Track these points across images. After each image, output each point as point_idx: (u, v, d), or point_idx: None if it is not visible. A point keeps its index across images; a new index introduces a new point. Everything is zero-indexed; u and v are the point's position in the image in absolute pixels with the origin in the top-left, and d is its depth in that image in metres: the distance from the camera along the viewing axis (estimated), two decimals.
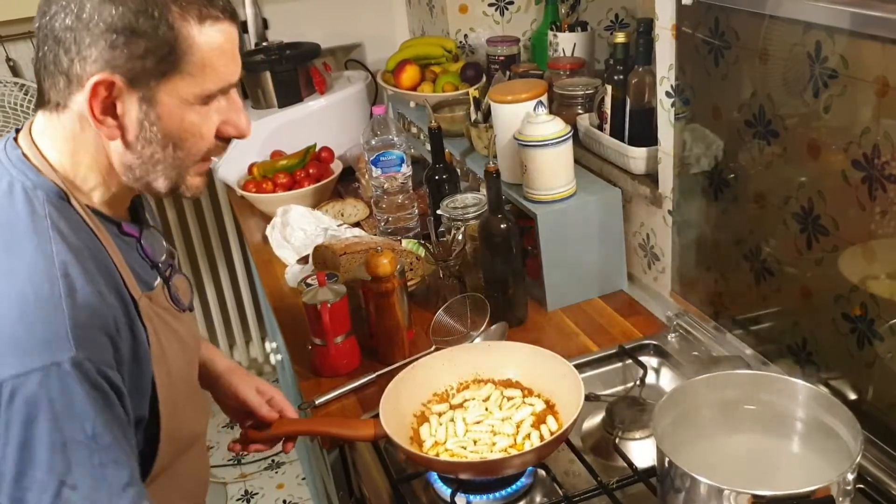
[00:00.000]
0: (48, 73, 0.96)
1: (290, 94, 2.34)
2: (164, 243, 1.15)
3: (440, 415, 1.30)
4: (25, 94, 2.46)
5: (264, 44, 2.47)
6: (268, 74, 2.32)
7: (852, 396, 1.16)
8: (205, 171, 1.06)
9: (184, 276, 1.17)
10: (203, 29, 0.95)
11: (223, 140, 1.04)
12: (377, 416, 1.23)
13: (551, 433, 1.21)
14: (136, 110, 0.96)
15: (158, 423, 1.05)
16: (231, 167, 2.32)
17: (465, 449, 1.22)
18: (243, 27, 2.58)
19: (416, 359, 1.38)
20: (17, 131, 1.04)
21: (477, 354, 1.37)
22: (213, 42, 0.96)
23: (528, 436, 1.23)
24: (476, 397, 1.32)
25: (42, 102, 1.00)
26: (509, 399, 1.31)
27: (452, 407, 1.31)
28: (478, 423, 1.27)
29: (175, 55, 0.94)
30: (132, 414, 0.97)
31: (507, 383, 1.34)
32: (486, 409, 1.29)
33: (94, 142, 0.99)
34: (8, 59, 2.46)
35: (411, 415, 1.29)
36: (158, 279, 1.10)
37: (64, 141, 1.00)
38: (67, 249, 0.93)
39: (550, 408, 1.28)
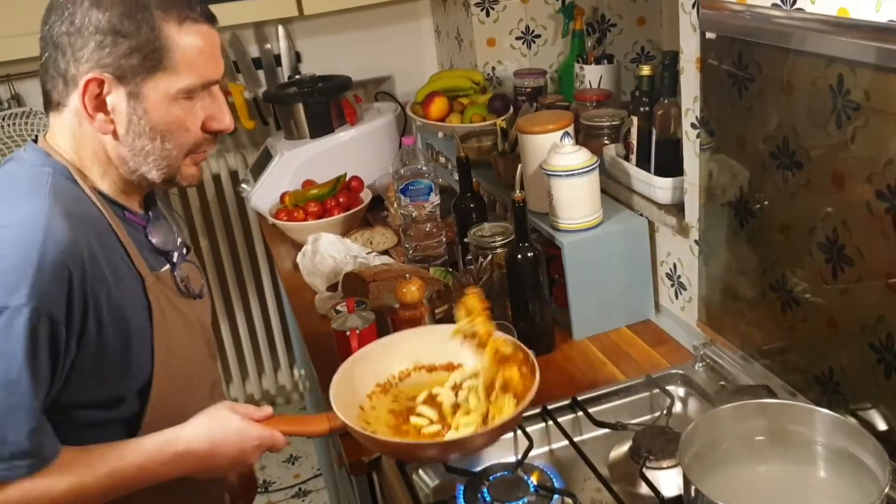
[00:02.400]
0: (49, 77, 1.08)
1: (321, 126, 2.39)
2: (178, 237, 1.24)
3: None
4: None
5: (297, 76, 2.54)
6: (300, 106, 2.37)
7: (881, 427, 1.16)
8: (199, 161, 1.16)
9: (194, 265, 1.26)
10: (183, 30, 1.06)
11: (210, 134, 1.14)
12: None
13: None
14: (124, 105, 1.06)
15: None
16: (264, 196, 2.36)
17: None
18: (276, 61, 2.65)
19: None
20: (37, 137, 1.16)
21: (412, 341, 1.36)
22: (192, 42, 1.07)
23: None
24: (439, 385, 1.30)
25: (48, 104, 1.10)
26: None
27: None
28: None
29: (158, 54, 1.04)
30: (58, 377, 1.03)
31: (449, 367, 1.33)
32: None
33: (91, 136, 1.09)
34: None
35: (358, 406, 1.27)
36: (166, 265, 1.19)
37: (68, 137, 1.10)
38: (59, 210, 1.02)
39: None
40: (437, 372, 1.34)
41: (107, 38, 1.03)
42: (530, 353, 1.25)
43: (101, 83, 1.05)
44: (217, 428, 1.12)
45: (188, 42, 1.07)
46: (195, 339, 1.23)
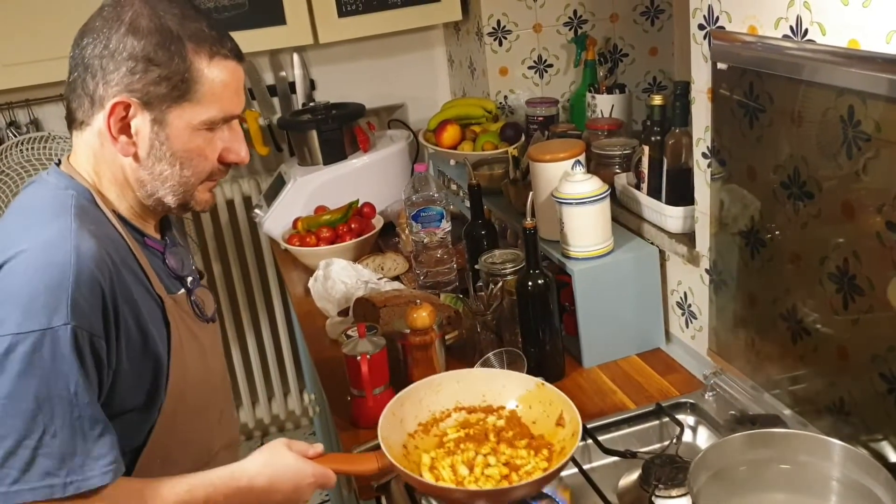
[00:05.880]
0: (76, 96, 1.10)
1: (334, 152, 2.41)
2: (193, 264, 1.27)
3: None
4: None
5: (311, 104, 2.57)
6: (314, 133, 2.39)
7: (892, 458, 1.15)
8: (212, 188, 1.20)
9: (207, 290, 1.29)
10: (212, 64, 1.10)
11: (225, 164, 1.17)
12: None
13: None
14: (148, 130, 1.10)
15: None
16: (276, 221, 2.38)
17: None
18: (291, 88, 2.69)
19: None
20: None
21: (456, 382, 1.38)
22: (219, 77, 1.11)
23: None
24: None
25: (71, 122, 1.13)
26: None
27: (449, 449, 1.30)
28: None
29: (186, 85, 1.08)
30: (105, 386, 1.06)
31: (489, 410, 1.35)
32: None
33: (111, 157, 1.12)
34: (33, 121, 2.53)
35: (401, 445, 1.29)
36: (182, 289, 1.21)
37: (89, 156, 1.13)
38: (84, 230, 1.04)
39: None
40: (477, 413, 1.36)
41: (139, 64, 1.06)
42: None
43: (127, 107, 1.08)
44: (275, 464, 1.16)
45: (216, 76, 1.10)
46: (207, 364, 1.24)
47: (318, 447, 1.22)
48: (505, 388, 1.36)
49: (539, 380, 1.33)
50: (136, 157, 1.11)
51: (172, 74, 1.07)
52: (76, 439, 1.00)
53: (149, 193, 1.14)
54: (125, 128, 1.09)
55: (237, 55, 1.14)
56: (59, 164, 1.17)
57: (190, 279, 1.24)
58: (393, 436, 1.27)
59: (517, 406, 1.34)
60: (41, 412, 0.99)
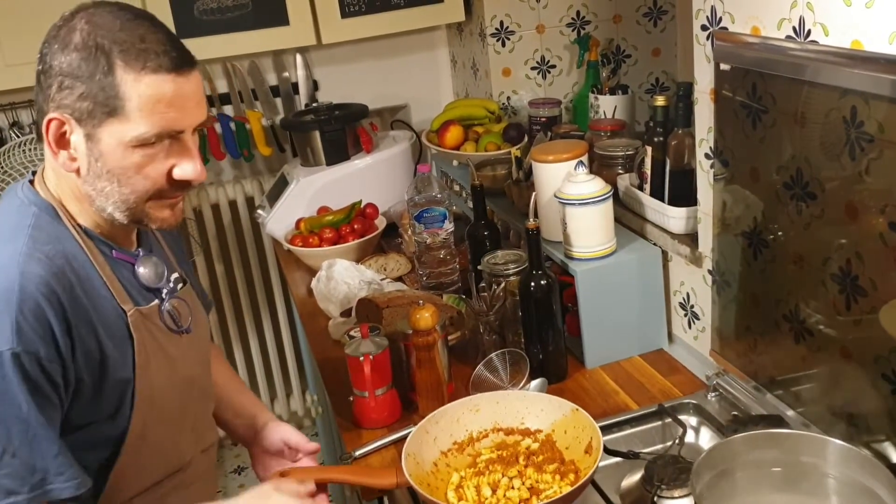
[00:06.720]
0: (35, 110, 1.10)
1: (337, 153, 2.42)
2: (168, 272, 1.24)
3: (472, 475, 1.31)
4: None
5: (314, 104, 2.57)
6: (317, 134, 2.40)
7: (895, 459, 1.15)
8: (172, 205, 1.14)
9: (184, 301, 1.25)
10: (140, 79, 1.04)
11: (179, 182, 1.11)
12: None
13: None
14: (83, 146, 1.07)
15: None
16: (279, 222, 2.38)
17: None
18: (294, 88, 2.69)
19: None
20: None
21: (494, 403, 1.39)
22: (148, 92, 1.04)
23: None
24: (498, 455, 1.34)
25: (38, 135, 1.11)
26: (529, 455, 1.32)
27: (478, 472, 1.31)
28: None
29: (111, 101, 1.04)
30: (66, 403, 1.06)
31: (526, 432, 1.36)
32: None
33: (66, 173, 1.10)
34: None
35: (431, 463, 1.30)
36: (154, 301, 1.19)
37: (50, 169, 1.14)
38: (36, 252, 1.04)
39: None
40: (514, 435, 1.37)
41: (66, 80, 1.04)
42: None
43: (61, 123, 1.06)
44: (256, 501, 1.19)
45: (143, 91, 1.04)
46: (178, 375, 1.21)
47: (311, 486, 1.23)
48: (543, 411, 1.37)
49: (574, 405, 1.33)
50: (77, 172, 1.09)
51: (96, 91, 1.03)
52: (35, 458, 1.01)
53: (99, 208, 1.11)
54: (66, 143, 1.07)
55: (176, 67, 1.05)
56: (34, 173, 1.16)
57: (165, 290, 1.21)
58: (423, 452, 1.29)
59: (553, 430, 1.35)
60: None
